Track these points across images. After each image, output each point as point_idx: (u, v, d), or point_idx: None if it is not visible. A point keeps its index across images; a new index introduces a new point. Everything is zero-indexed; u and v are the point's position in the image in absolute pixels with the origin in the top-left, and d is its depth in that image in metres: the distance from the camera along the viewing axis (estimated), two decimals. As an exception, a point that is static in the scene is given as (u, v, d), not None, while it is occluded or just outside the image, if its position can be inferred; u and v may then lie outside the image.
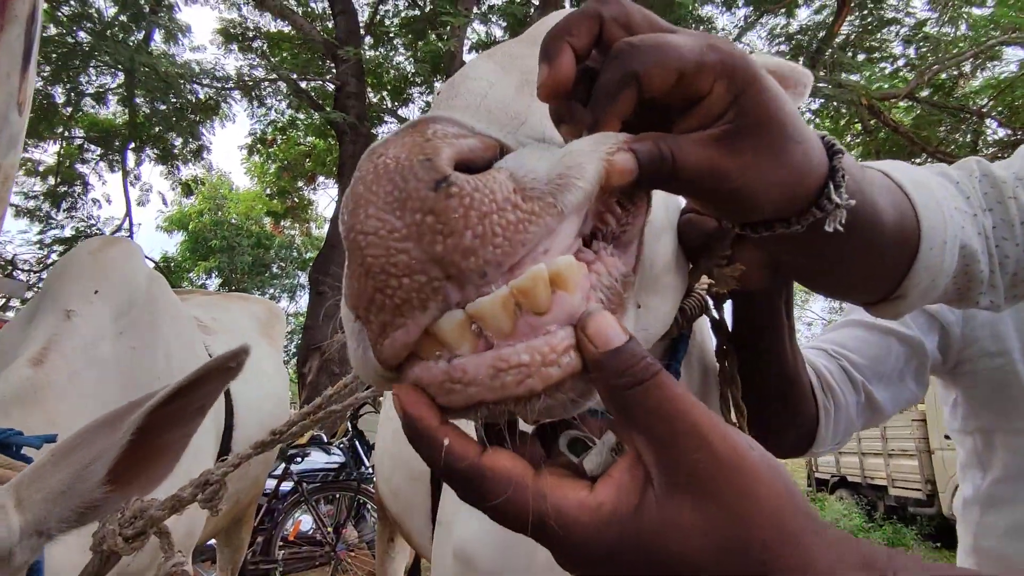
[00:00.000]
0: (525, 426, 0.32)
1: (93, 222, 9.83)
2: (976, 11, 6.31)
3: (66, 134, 8.17)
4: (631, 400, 0.27)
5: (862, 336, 0.85)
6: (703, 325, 0.75)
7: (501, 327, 0.27)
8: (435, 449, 0.28)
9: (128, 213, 8.33)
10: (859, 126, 7.74)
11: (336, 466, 4.53)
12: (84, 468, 0.58)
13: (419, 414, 0.28)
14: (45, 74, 6.86)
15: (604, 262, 0.31)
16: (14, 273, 10.38)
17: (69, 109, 7.44)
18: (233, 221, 16.90)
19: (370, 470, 4.47)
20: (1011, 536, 0.80)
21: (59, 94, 6.97)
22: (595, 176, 0.28)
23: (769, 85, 0.33)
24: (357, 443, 4.58)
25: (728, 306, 0.67)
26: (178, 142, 7.83)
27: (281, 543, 4.02)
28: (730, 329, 0.67)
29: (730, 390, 0.64)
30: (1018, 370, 0.79)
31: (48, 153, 8.74)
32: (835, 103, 6.34)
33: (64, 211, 9.07)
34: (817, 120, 8.26)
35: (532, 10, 6.29)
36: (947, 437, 7.37)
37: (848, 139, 8.47)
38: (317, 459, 4.55)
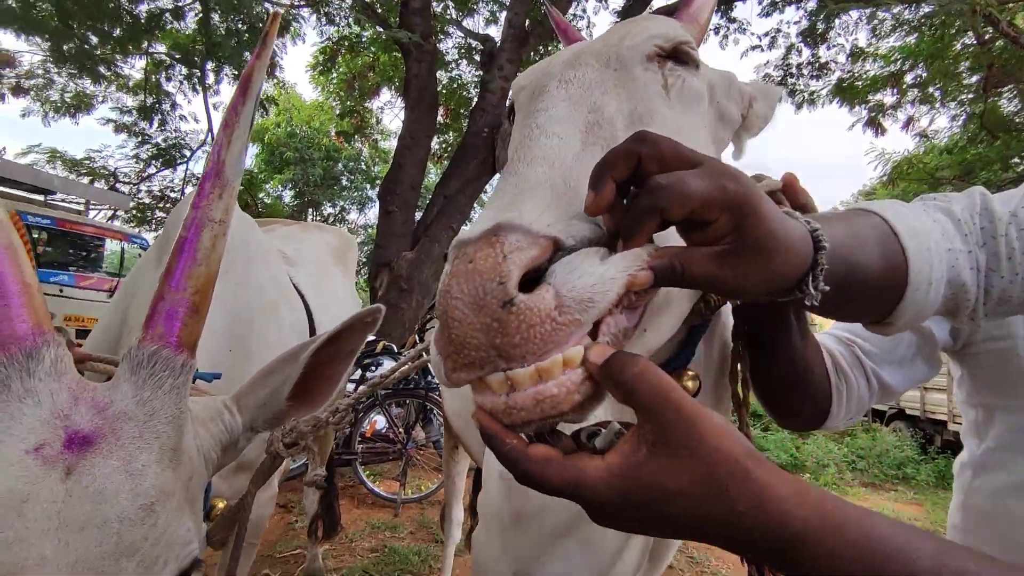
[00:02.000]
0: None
1: (181, 136, 10.47)
2: None
3: (150, 50, 8.55)
4: (630, 387, 0.38)
5: None
6: (727, 307, 0.86)
7: (526, 385, 0.40)
8: (501, 446, 0.41)
9: (210, 129, 8.80)
10: (971, 38, 6.86)
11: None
12: (277, 387, 0.80)
13: (491, 425, 0.42)
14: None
15: (614, 319, 0.42)
16: (116, 186, 11.34)
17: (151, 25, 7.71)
18: (303, 132, 17.32)
19: (435, 380, 4.89)
20: (993, 497, 0.90)
21: (143, 13, 7.22)
22: (616, 296, 0.40)
23: (764, 215, 0.41)
24: (424, 355, 4.96)
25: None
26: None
27: (360, 439, 4.56)
28: (741, 328, 0.78)
29: (740, 385, 0.77)
30: (1020, 353, 0.86)
31: (135, 69, 9.22)
32: (942, 15, 5.60)
33: (157, 126, 9.69)
34: (923, 30, 7.37)
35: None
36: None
37: (959, 48, 7.55)
38: (389, 367, 4.99)
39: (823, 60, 8.40)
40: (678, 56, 0.67)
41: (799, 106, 8.44)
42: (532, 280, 0.41)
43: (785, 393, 0.84)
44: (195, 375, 1.01)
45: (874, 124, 8.57)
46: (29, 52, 8.77)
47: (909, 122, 8.94)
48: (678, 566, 3.69)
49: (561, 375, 0.40)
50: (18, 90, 9.23)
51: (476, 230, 0.42)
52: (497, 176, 7.21)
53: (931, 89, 8.48)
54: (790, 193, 0.66)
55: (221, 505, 0.99)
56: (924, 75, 8.18)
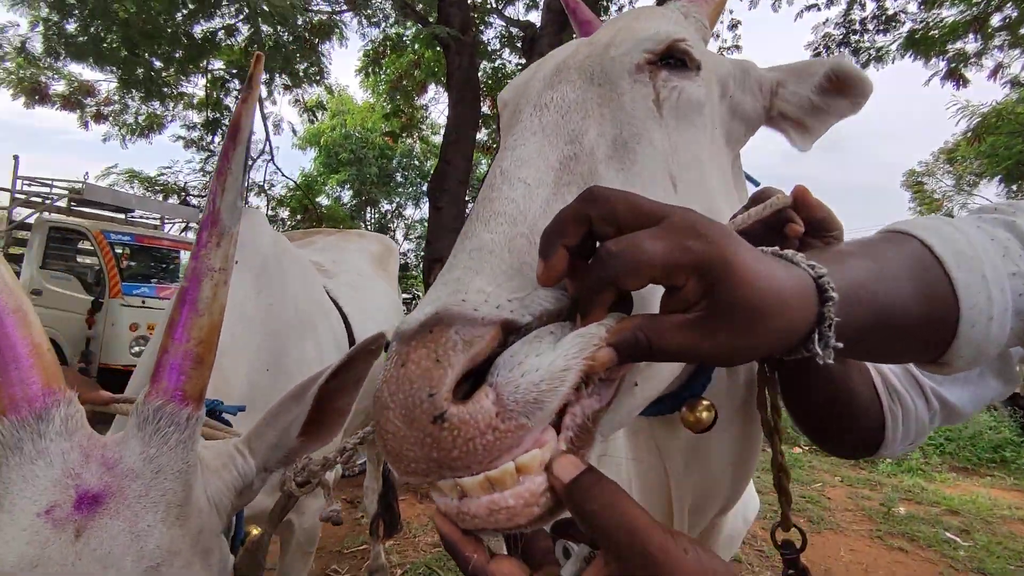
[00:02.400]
0: None
1: (241, 148, 11.01)
2: None
3: (209, 68, 9.00)
4: (594, 519, 0.34)
5: None
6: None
7: (477, 493, 0.36)
8: (462, 562, 0.38)
9: (267, 139, 9.19)
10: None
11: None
12: (287, 426, 0.81)
13: (449, 532, 0.38)
14: (184, 13, 7.47)
15: (581, 404, 0.38)
16: (187, 199, 12.09)
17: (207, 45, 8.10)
18: (356, 134, 17.81)
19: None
20: None
21: (199, 33, 7.59)
22: (568, 389, 0.35)
23: (742, 273, 0.35)
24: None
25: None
26: (301, 67, 8.28)
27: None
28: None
29: (771, 411, 0.69)
30: None
31: (198, 87, 9.74)
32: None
33: (220, 139, 10.26)
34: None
35: None
36: None
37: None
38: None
39: (890, 12, 7.72)
40: (673, 56, 0.60)
41: (865, 64, 7.81)
42: (481, 372, 0.36)
43: (824, 419, 0.75)
44: (220, 408, 1.04)
45: (955, 76, 7.80)
46: (105, 80, 9.42)
47: (997, 69, 8.07)
48: (746, 560, 3.56)
49: (517, 484, 0.35)
50: (99, 117, 9.97)
51: (415, 318, 0.38)
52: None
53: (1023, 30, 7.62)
54: (803, 209, 0.57)
55: (255, 532, 1.01)
56: (1014, 15, 7.35)
